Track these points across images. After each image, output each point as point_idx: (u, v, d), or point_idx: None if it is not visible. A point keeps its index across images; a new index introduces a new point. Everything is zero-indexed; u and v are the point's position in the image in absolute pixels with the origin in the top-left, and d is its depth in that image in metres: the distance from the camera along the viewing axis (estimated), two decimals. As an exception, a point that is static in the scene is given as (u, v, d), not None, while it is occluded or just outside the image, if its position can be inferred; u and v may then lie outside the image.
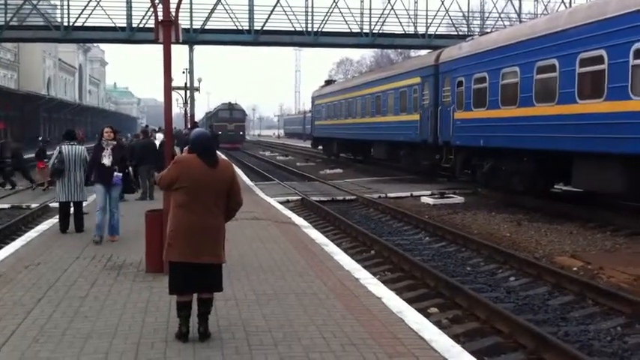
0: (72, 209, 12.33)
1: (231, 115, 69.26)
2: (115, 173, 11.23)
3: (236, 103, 71.07)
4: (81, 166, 11.92)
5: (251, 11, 34.29)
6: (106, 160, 11.24)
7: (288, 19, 34.18)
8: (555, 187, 19.81)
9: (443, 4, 35.83)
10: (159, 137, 20.73)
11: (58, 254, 9.92)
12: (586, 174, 15.36)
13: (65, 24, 33.98)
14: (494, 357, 6.90)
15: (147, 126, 31.69)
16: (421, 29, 35.72)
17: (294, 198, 20.69)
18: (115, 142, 11.51)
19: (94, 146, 11.76)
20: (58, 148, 12.19)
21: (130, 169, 18.89)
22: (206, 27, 34.22)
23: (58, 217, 12.73)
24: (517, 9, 38.19)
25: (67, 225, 12.23)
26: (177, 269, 5.93)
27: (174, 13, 9.35)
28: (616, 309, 8.52)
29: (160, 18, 9.31)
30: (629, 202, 16.57)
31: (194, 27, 33.89)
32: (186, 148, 6.15)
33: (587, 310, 8.72)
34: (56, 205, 11.88)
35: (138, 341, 5.95)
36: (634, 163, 13.65)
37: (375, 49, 78.28)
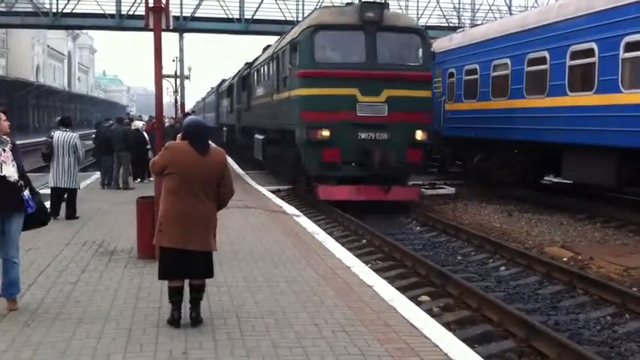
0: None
1: (372, 58, 15.51)
2: (26, 193, 6.45)
3: (385, 2, 18.58)
4: (70, 153, 12.14)
5: (241, 0, 34.17)
6: (7, 170, 6.33)
7: (279, 8, 34.09)
8: (545, 178, 19.89)
9: (434, -5, 35.64)
10: (137, 124, 20.58)
11: (49, 240, 9.86)
12: (576, 166, 15.43)
13: (54, 10, 33.74)
14: (485, 344, 6.93)
15: (128, 113, 31.62)
16: (412, 20, 35.65)
17: (286, 187, 20.66)
18: (9, 141, 6.50)
19: None
20: (51, 133, 12.59)
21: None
22: (196, 15, 34.07)
23: (47, 203, 12.77)
24: (508, 1, 38.22)
25: (58, 211, 12.20)
26: (167, 255, 5.96)
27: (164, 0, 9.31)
28: (606, 299, 8.57)
29: (151, 4, 9.28)
30: (618, 194, 16.67)
31: (184, 15, 33.73)
32: (179, 135, 6.14)
33: (577, 299, 8.77)
34: (45, 192, 11.87)
35: (129, 327, 5.94)
36: (623, 156, 13.72)
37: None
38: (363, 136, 15.38)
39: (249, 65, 27.47)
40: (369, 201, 15.36)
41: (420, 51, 16.29)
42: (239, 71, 31.60)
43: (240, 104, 28.64)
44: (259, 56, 25.48)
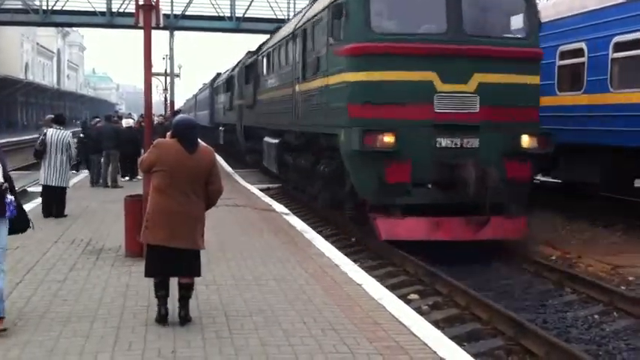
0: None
1: (456, 27, 10.65)
2: (10, 197, 5.82)
3: None
4: (63, 151, 12.07)
5: (232, -2, 34.14)
6: None
7: (270, 6, 34.08)
8: (535, 177, 19.92)
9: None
10: (127, 122, 20.55)
11: (37, 238, 9.74)
12: (565, 165, 15.48)
13: (44, 7, 33.60)
14: (473, 343, 6.95)
15: (117, 111, 31.64)
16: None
17: (275, 185, 20.65)
18: None
19: None
20: (44, 130, 12.52)
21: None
22: (187, 13, 34.03)
23: (37, 201, 12.93)
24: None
25: (50, 209, 12.15)
26: (153, 252, 5.96)
27: (155, -3, 9.29)
28: (594, 297, 8.62)
29: (141, 2, 9.25)
30: (606, 194, 16.72)
31: (175, 12, 33.67)
32: (169, 132, 6.14)
33: (566, 298, 8.82)
34: (34, 189, 11.84)
35: (118, 325, 5.92)
36: (612, 155, 13.77)
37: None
38: (444, 143, 10.54)
39: (254, 53, 22.53)
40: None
41: (524, 17, 11.60)
42: (240, 61, 26.24)
43: (243, 99, 23.55)
44: (268, 40, 20.50)
